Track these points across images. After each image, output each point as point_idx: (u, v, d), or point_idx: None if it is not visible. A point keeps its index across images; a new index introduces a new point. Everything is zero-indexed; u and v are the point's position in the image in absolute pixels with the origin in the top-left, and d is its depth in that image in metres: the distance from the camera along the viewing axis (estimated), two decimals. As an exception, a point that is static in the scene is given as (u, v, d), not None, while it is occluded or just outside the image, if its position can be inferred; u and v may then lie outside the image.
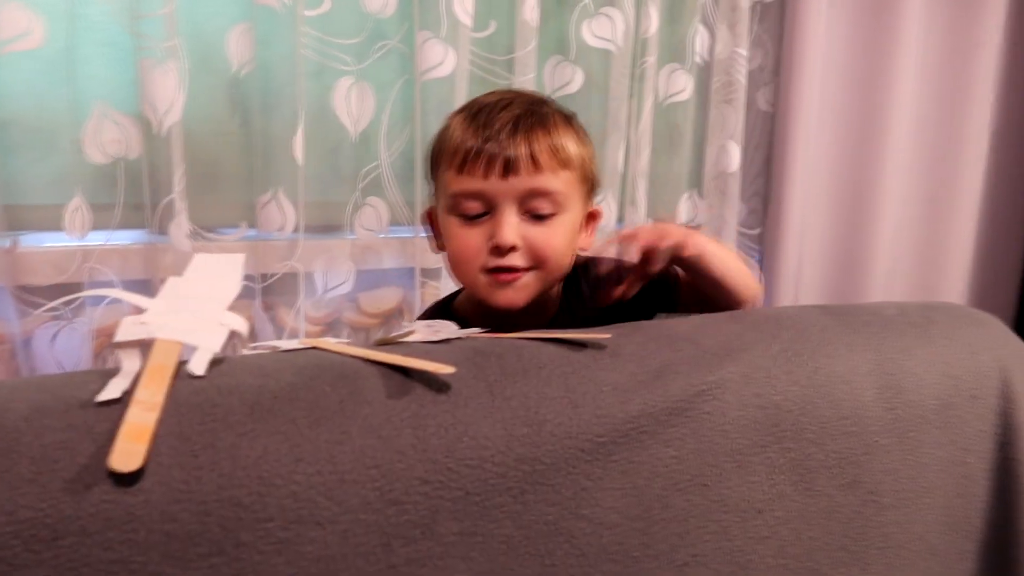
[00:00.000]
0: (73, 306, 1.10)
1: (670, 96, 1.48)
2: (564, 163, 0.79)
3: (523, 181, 0.77)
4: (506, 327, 0.75)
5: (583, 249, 0.88)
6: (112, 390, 0.53)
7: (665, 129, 1.50)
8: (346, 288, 1.28)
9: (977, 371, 0.84)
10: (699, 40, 1.48)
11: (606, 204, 1.42)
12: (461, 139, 0.78)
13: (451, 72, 1.23)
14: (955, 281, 1.78)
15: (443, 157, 0.80)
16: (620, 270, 0.82)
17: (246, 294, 1.21)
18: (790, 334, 0.80)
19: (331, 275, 1.26)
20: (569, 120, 0.84)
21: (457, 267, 0.82)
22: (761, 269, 1.66)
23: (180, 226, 1.11)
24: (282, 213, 1.18)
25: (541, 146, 0.77)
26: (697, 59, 1.49)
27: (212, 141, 1.19)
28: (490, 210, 0.78)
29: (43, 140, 1.08)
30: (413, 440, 0.57)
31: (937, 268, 1.77)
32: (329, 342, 0.68)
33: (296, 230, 1.20)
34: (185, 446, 0.51)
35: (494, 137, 0.77)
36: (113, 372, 0.57)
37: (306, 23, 1.18)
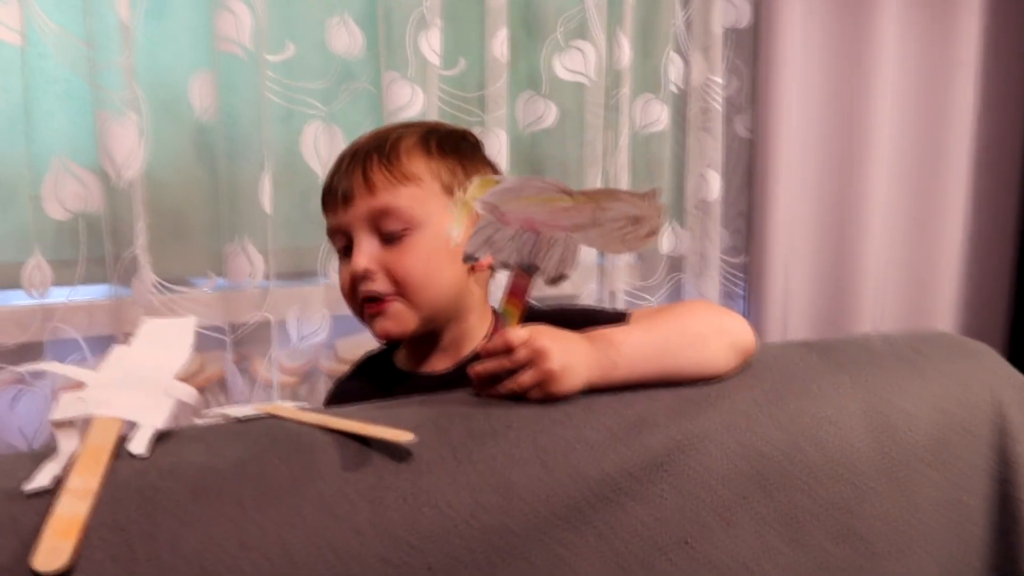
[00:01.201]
0: (33, 370, 1.06)
1: (646, 126, 1.46)
2: (403, 178, 0.77)
3: (360, 206, 0.77)
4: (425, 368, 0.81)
5: (481, 266, 0.82)
6: (42, 478, 0.50)
7: (643, 160, 1.47)
8: (321, 335, 1.24)
9: (970, 404, 0.81)
10: (673, 69, 1.47)
11: (586, 238, 1.39)
12: (327, 178, 0.82)
13: (421, 111, 1.21)
14: (944, 301, 1.76)
15: (321, 201, 0.83)
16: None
17: (217, 345, 1.17)
18: (773, 376, 0.77)
19: (305, 323, 1.23)
20: (425, 139, 0.80)
21: (347, 305, 0.82)
22: (746, 299, 1.63)
23: (143, 280, 1.08)
24: (250, 261, 1.14)
25: (373, 168, 0.78)
26: (672, 88, 1.48)
27: (177, 190, 1.16)
28: (351, 242, 0.79)
29: (0, 196, 1.05)
30: (371, 516, 0.53)
31: (925, 289, 1.74)
32: (285, 407, 0.64)
33: (266, 277, 1.17)
34: (120, 537, 0.48)
35: (338, 172, 0.80)
36: (48, 453, 0.53)
37: (270, 68, 1.15)
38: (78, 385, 0.60)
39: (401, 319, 0.78)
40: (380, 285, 0.77)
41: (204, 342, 1.16)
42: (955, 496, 0.78)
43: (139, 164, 1.06)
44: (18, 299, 1.07)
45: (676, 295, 1.56)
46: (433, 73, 1.23)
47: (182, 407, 0.60)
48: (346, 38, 1.21)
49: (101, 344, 1.10)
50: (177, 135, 1.14)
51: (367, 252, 0.77)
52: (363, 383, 0.88)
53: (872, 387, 0.78)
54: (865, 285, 1.63)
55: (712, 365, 0.73)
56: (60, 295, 1.10)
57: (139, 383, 0.60)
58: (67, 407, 0.57)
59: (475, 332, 0.84)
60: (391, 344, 0.89)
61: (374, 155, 0.78)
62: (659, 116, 1.46)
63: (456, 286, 0.80)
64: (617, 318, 0.79)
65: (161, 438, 0.56)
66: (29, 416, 1.06)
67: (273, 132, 1.16)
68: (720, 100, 1.49)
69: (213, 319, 1.18)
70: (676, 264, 1.55)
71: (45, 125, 1.06)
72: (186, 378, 0.63)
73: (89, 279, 1.12)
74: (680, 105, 1.51)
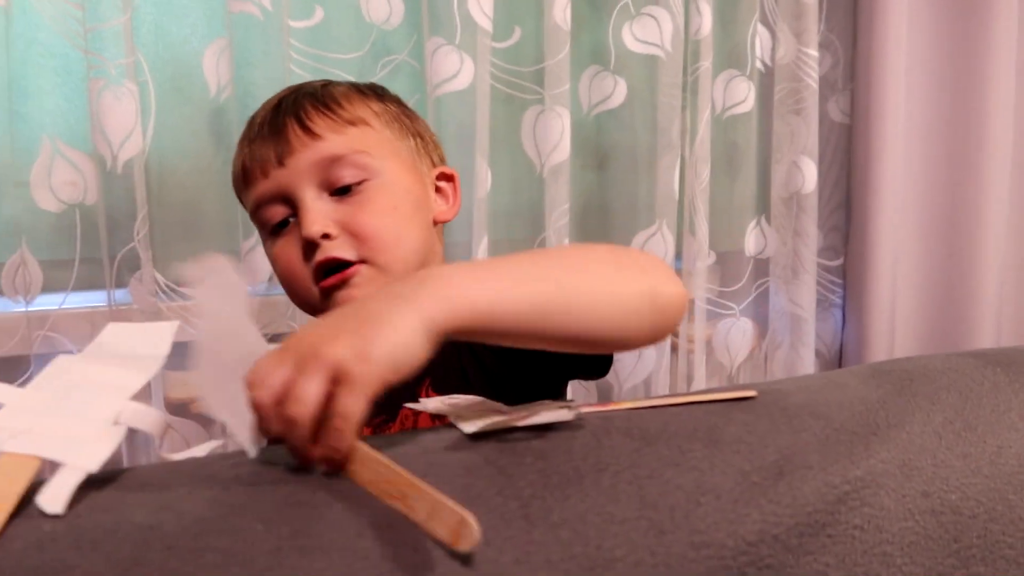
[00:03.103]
0: (19, 381, 0.90)
1: (729, 108, 1.26)
2: (350, 121, 0.68)
3: (302, 157, 0.66)
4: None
5: (444, 219, 0.73)
6: None
7: (723, 146, 1.28)
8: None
9: None
10: (759, 42, 1.27)
11: (660, 235, 1.20)
12: (236, 156, 0.71)
13: (469, 84, 1.04)
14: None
15: (235, 186, 0.73)
16: None
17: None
18: (952, 397, 0.56)
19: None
20: (355, 86, 0.73)
21: (291, 294, 0.69)
22: (845, 308, 1.41)
23: (143, 280, 0.92)
24: (271, 261, 0.97)
25: (309, 113, 0.67)
26: (758, 64, 1.28)
27: (186, 179, 1.00)
28: (293, 210, 0.67)
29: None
30: (399, 614, 0.34)
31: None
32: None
33: (291, 281, 0.99)
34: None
35: (259, 133, 0.68)
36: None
37: (294, 36, 0.99)
38: None
39: (371, 285, 0.65)
40: (343, 249, 0.65)
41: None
42: None
43: (138, 143, 0.90)
44: (2, 304, 0.93)
45: (764, 304, 1.35)
46: (484, 43, 1.05)
47: (144, 440, 0.43)
48: (383, 3, 1.04)
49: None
50: (187, 116, 0.98)
51: (320, 211, 0.65)
52: None
53: (1087, 413, 0.57)
54: (984, 291, 1.40)
55: (622, 330, 0.49)
56: (53, 300, 0.95)
57: (80, 407, 0.43)
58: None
59: None
60: None
61: (306, 102, 0.68)
62: (744, 96, 1.26)
63: (424, 241, 0.69)
64: None
65: (96, 486, 0.38)
66: None
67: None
68: (814, 78, 1.29)
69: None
70: (763, 268, 1.34)
71: (35, 103, 0.92)
72: (178, 402, 0.46)
73: (88, 284, 0.97)
74: (767, 84, 1.31)
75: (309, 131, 0.66)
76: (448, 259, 0.82)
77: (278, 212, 0.68)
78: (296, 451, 0.39)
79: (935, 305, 1.43)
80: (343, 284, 0.65)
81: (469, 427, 0.45)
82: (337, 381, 0.38)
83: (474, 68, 1.04)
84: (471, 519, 0.34)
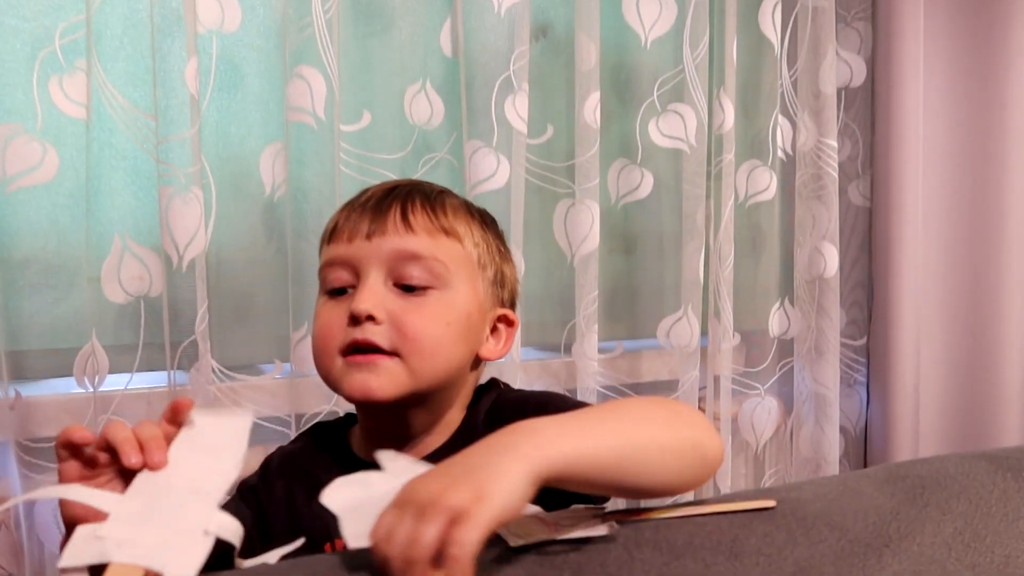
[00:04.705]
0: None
1: (752, 196, 1.32)
2: (446, 231, 0.69)
3: (389, 241, 0.67)
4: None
5: (487, 358, 0.73)
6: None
7: (747, 231, 1.33)
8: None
9: None
10: (780, 132, 1.33)
11: (686, 319, 1.25)
12: (335, 214, 0.72)
13: (505, 183, 1.11)
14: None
15: (322, 237, 0.74)
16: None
17: (280, 439, 1.06)
18: (962, 506, 0.60)
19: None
20: (467, 204, 0.74)
21: (316, 355, 0.69)
22: (870, 383, 1.44)
23: (201, 368, 0.98)
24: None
25: (415, 207, 0.69)
26: (780, 153, 1.34)
27: (243, 271, 1.07)
28: (357, 282, 0.68)
29: (58, 280, 0.98)
30: None
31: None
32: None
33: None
34: None
35: (363, 204, 0.70)
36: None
37: (344, 138, 1.07)
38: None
39: (391, 380, 0.65)
40: (381, 336, 0.65)
41: (266, 434, 1.05)
42: None
43: (202, 243, 0.98)
44: (72, 387, 0.99)
45: (789, 383, 1.38)
46: (519, 141, 1.13)
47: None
48: (426, 106, 1.12)
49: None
50: (244, 211, 1.06)
51: (378, 294, 0.66)
52: (311, 457, 0.74)
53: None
54: (1008, 368, 1.42)
55: (678, 482, 0.56)
56: (117, 380, 1.02)
57: (173, 517, 0.48)
58: (81, 549, 0.45)
59: (448, 426, 0.72)
60: (346, 419, 0.77)
61: (417, 197, 0.70)
62: (767, 184, 1.32)
63: (459, 368, 0.70)
64: (576, 406, 0.64)
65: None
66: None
67: (346, 207, 1.07)
68: (834, 166, 1.35)
69: (278, 409, 1.07)
70: (787, 348, 1.38)
71: (108, 202, 1.00)
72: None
73: (149, 366, 1.03)
74: (788, 171, 1.37)
75: (407, 222, 0.68)
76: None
77: (342, 278, 0.68)
78: None
79: (959, 383, 1.45)
80: (365, 367, 0.65)
81: (515, 541, 0.50)
82: (455, 522, 0.42)
83: (510, 167, 1.11)
84: None
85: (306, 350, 1.05)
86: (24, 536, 0.95)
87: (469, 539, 0.41)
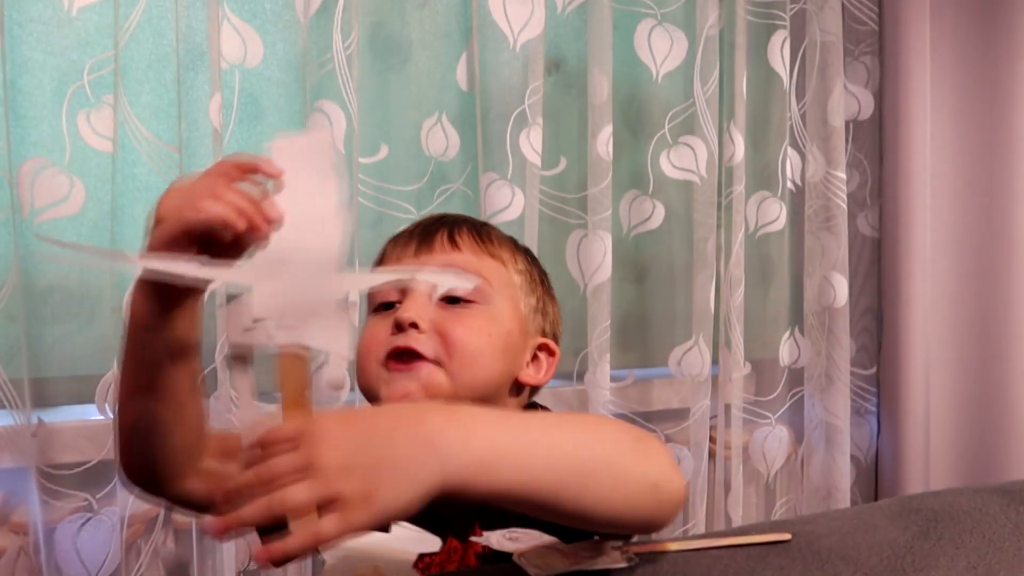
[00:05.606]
0: (101, 494, 0.98)
1: (762, 226, 1.34)
2: (491, 253, 0.72)
3: (435, 258, 0.70)
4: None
5: (527, 383, 0.72)
6: None
7: (757, 261, 1.35)
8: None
9: None
10: (790, 164, 1.35)
11: (697, 348, 1.26)
12: (382, 248, 0.75)
13: (520, 214, 1.13)
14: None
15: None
16: None
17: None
18: (975, 540, 0.61)
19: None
20: (514, 240, 0.77)
21: (359, 364, 0.69)
22: (880, 413, 1.45)
23: (220, 399, 1.00)
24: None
25: (462, 231, 0.72)
26: (789, 185, 1.36)
27: (261, 300, 1.09)
28: (403, 298, 0.69)
29: (82, 308, 1.00)
30: None
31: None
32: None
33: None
34: None
35: (410, 232, 0.73)
36: None
37: (362, 171, 1.10)
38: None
39: (430, 386, 0.65)
40: (423, 344, 0.66)
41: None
42: None
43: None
44: (92, 414, 1.01)
45: (799, 412, 1.39)
46: (533, 173, 1.15)
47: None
48: (442, 138, 1.14)
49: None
50: (264, 242, 1.08)
51: (423, 306, 0.67)
52: None
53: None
54: (1020, 401, 1.42)
55: (631, 516, 0.51)
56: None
57: (303, 285, 0.48)
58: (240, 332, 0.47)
59: None
60: None
61: (463, 223, 0.74)
62: (776, 215, 1.33)
63: (497, 384, 0.70)
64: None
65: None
66: (92, 549, 0.97)
67: (362, 237, 1.09)
68: (843, 197, 1.36)
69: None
70: (797, 377, 1.39)
71: (132, 233, 1.02)
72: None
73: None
74: (797, 202, 1.38)
75: (453, 242, 0.71)
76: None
77: (390, 294, 0.69)
78: (226, 500, 0.42)
79: (970, 413, 1.45)
80: (407, 373, 0.65)
81: (534, 572, 0.51)
82: (330, 505, 0.41)
83: (524, 198, 1.13)
84: None
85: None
86: (43, 562, 0.96)
87: (327, 531, 0.41)
